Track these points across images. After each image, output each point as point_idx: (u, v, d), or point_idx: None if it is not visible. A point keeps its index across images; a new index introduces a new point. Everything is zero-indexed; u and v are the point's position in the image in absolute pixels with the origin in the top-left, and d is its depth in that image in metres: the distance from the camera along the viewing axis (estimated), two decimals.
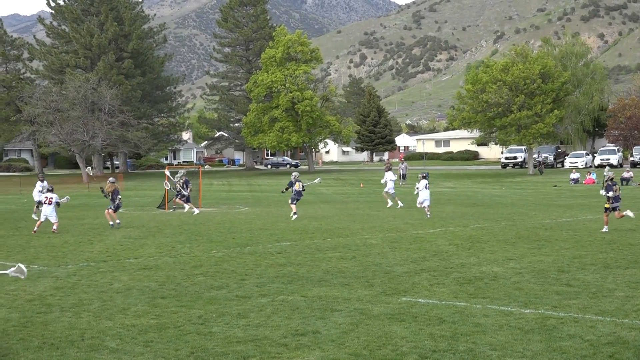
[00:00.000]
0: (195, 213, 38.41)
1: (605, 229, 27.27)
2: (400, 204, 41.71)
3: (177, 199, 40.92)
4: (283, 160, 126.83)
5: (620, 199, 28.35)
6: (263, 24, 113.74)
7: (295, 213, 34.74)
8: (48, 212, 30.32)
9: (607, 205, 27.74)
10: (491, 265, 19.72)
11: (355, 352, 11.24)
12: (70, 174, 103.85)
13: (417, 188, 36.20)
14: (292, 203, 35.53)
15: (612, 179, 28.32)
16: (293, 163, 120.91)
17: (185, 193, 39.68)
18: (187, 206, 39.54)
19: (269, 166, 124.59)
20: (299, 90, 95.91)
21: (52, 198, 30.71)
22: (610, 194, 27.61)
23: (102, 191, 33.28)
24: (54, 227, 29.98)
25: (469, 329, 12.51)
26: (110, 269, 19.82)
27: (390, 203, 41.98)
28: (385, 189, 42.81)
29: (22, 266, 10.49)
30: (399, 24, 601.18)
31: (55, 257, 22.49)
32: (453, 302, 14.79)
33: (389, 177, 42.95)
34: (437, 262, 20.53)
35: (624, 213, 27.87)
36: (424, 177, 36.41)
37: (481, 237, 26.15)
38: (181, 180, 41.66)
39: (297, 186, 35.62)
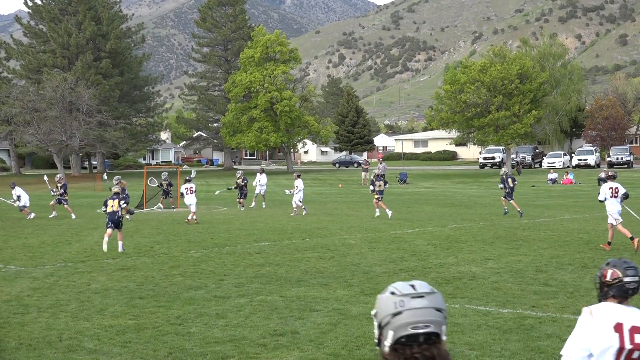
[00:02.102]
0: (50, 216, 38.09)
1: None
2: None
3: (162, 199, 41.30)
4: (351, 159, 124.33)
5: None
6: (242, 24, 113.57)
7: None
8: (192, 201, 33.94)
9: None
10: (469, 265, 19.79)
11: (334, 352, 11.25)
12: (48, 174, 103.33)
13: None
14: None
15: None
16: (361, 161, 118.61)
17: (65, 197, 39.31)
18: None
19: (337, 165, 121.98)
20: (277, 91, 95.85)
21: (192, 187, 34.58)
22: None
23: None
24: (194, 216, 33.51)
25: (448, 329, 12.50)
26: (88, 270, 19.77)
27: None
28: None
29: None
30: (378, 25, 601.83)
31: (32, 257, 22.39)
32: None
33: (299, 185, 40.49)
34: (416, 262, 20.58)
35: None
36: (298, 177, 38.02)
37: (459, 237, 26.23)
38: (166, 182, 42.02)
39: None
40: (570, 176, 69.28)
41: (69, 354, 11.32)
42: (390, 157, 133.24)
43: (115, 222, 23.81)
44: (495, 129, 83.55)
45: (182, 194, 36.02)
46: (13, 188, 38.95)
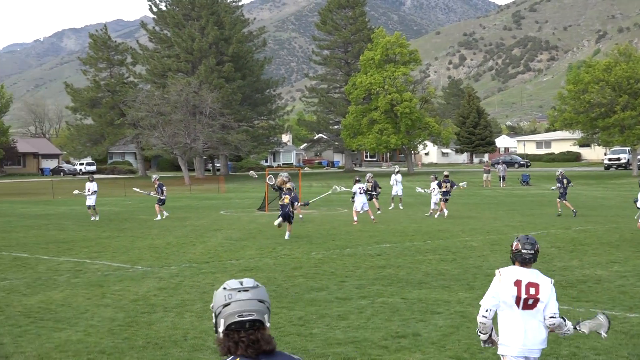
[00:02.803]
0: (158, 219, 38.36)
1: None
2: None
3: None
4: (512, 160, 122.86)
5: None
6: (361, 26, 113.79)
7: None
8: (362, 200, 35.01)
9: None
10: (594, 269, 19.40)
11: (456, 355, 11.18)
12: (172, 176, 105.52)
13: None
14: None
15: None
16: (522, 162, 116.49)
17: (163, 197, 39.47)
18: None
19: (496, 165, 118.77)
20: (397, 92, 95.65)
21: (362, 187, 35.58)
22: None
23: (273, 186, 34.50)
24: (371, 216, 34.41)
25: (572, 334, 12.31)
26: (212, 270, 20.09)
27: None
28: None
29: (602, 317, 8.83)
30: (499, 25, 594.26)
31: (158, 258, 22.87)
32: None
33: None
34: (539, 264, 20.15)
35: None
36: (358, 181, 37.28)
37: (584, 240, 25.73)
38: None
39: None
40: None
41: (194, 353, 11.53)
42: (495, 159, 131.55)
43: (285, 215, 27.60)
44: (620, 130, 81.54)
45: (353, 194, 36.17)
46: (92, 182, 39.80)
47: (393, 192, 43.88)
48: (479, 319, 8.04)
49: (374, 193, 39.84)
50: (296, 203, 28.84)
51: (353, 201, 36.65)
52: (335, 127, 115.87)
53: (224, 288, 4.34)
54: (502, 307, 7.97)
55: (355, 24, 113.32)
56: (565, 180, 37.37)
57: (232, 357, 4.19)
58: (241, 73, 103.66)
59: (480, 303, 8.07)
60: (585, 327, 8.58)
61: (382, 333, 12.51)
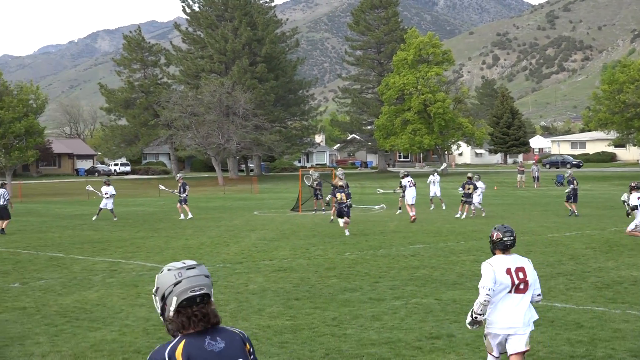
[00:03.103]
0: (182, 218, 38.93)
1: None
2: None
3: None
4: (564, 160, 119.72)
5: None
6: (394, 27, 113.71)
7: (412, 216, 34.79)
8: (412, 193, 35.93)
9: None
10: (630, 270, 19.25)
11: None
12: (206, 177, 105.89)
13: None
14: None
15: None
16: (574, 162, 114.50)
17: (183, 196, 39.68)
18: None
19: (548, 165, 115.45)
20: (431, 93, 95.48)
21: (412, 180, 36.43)
22: None
23: (311, 185, 35.34)
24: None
25: (608, 335, 12.24)
26: (245, 271, 20.14)
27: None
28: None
29: None
30: (532, 24, 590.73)
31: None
32: (591, 307, 14.50)
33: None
34: (574, 265, 20.15)
35: None
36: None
37: (619, 241, 25.53)
38: (316, 182, 42.23)
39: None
40: None
41: None
42: (546, 158, 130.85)
43: (340, 211, 29.58)
44: None
45: (404, 188, 37.09)
46: (108, 185, 40.05)
47: (431, 194, 43.72)
48: (482, 299, 8.77)
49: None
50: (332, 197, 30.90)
51: (403, 197, 37.65)
52: (369, 127, 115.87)
53: (169, 270, 4.61)
54: (496, 294, 8.81)
55: (388, 24, 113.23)
56: (575, 182, 37.59)
57: (179, 337, 4.53)
58: (274, 74, 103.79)
59: (481, 286, 8.81)
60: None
61: (416, 334, 12.49)
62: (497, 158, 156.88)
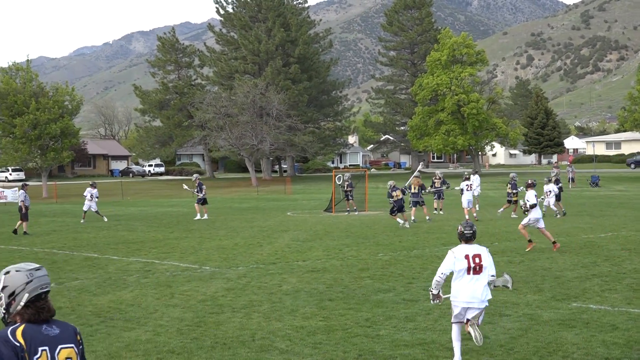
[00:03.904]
0: (197, 218, 39.42)
1: None
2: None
3: None
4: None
5: None
6: (428, 27, 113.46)
7: (403, 221, 33.25)
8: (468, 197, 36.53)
9: None
10: None
11: (524, 358, 11.12)
12: (239, 178, 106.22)
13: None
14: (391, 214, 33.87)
15: None
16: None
17: (201, 195, 39.92)
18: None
19: (633, 165, 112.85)
20: (464, 93, 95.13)
21: (469, 184, 36.71)
22: None
23: (407, 188, 36.30)
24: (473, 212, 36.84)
25: None
26: (279, 271, 20.18)
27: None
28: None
29: (507, 276, 12.69)
30: (567, 24, 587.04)
31: (226, 259, 23.04)
32: (626, 309, 14.40)
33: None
34: (609, 267, 19.99)
35: None
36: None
37: None
38: (347, 183, 42.21)
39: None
40: None
41: (262, 354, 11.59)
42: (581, 159, 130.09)
43: (400, 206, 32.47)
44: None
45: (461, 191, 37.57)
46: (94, 187, 40.49)
47: (468, 198, 43.24)
48: (436, 278, 11.23)
49: (440, 189, 40.35)
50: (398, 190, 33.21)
51: (436, 198, 39.35)
52: (402, 128, 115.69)
53: (18, 271, 5.32)
54: (456, 275, 11.12)
55: (421, 24, 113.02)
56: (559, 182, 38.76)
57: (19, 323, 5.23)
58: (307, 74, 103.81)
59: (439, 272, 11.17)
60: (498, 282, 12.03)
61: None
62: (531, 159, 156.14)
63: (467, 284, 11.05)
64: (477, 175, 43.39)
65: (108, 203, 58.86)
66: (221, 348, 11.96)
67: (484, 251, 11.33)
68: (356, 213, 41.51)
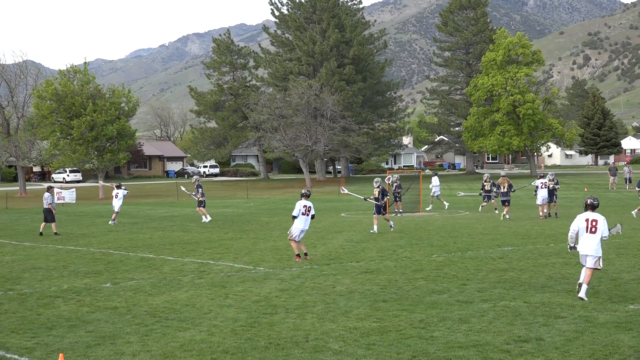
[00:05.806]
0: (205, 221, 39.06)
1: None
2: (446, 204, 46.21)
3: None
4: None
5: None
6: (483, 27, 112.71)
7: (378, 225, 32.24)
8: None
9: None
10: None
11: None
12: (294, 179, 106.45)
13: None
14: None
15: None
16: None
17: (196, 198, 39.78)
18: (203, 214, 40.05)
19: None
20: (520, 93, 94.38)
21: (545, 182, 37.62)
22: None
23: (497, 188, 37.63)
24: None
25: None
26: (332, 272, 20.20)
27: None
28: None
29: (619, 225, 17.56)
30: (625, 23, 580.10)
31: (280, 259, 23.12)
32: None
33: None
34: None
35: None
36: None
37: None
38: (395, 184, 42.16)
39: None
40: None
41: (315, 355, 11.60)
42: (639, 160, 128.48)
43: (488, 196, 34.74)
44: None
45: (535, 188, 38.57)
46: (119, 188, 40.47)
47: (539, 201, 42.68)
48: (569, 234, 16.26)
49: (491, 193, 40.45)
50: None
51: (486, 200, 40.40)
52: (457, 129, 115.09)
53: None
54: (580, 232, 15.93)
55: (476, 24, 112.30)
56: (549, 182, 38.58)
57: None
58: (362, 75, 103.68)
59: (570, 228, 16.25)
60: (613, 231, 16.64)
61: (504, 337, 12.39)
62: (588, 159, 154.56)
63: (585, 240, 15.85)
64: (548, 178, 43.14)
65: (164, 204, 59.36)
66: (275, 349, 12.00)
67: (600, 217, 15.84)
68: (399, 215, 41.29)
